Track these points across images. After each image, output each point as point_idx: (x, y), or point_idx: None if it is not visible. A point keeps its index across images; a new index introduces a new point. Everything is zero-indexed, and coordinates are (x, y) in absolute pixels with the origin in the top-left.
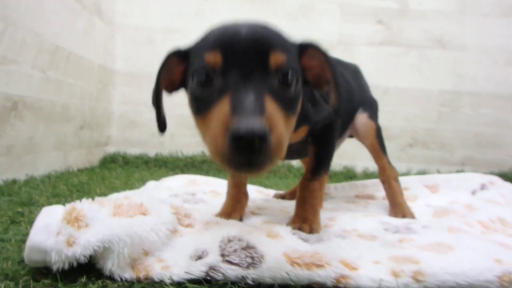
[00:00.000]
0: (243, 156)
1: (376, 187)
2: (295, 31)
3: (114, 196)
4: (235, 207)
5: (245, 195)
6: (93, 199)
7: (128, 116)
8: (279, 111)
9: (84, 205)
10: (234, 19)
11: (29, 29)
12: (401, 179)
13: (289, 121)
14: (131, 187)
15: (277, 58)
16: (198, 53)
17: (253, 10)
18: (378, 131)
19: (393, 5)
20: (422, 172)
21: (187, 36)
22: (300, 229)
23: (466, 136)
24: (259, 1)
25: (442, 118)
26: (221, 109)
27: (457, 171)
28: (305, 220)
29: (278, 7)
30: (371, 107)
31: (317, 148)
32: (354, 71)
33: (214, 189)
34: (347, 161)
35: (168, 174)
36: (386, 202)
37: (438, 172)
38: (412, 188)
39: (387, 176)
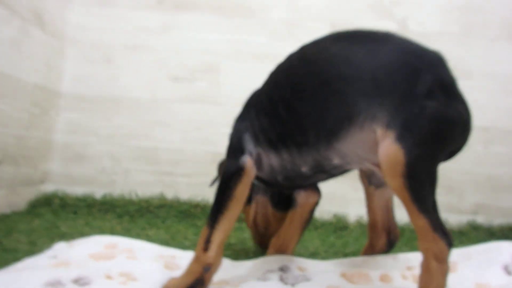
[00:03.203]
0: None
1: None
2: (279, 50)
3: None
4: None
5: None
6: None
7: (74, 147)
8: None
9: None
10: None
11: None
12: (401, 255)
13: None
14: (41, 247)
15: None
16: None
17: (230, 27)
18: (413, 166)
19: (392, 25)
20: None
21: (152, 54)
22: None
23: (477, 179)
24: (237, 16)
25: None
26: None
27: (468, 221)
28: None
29: (260, 23)
30: (409, 122)
31: None
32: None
33: (131, 270)
34: (337, 207)
35: (114, 223)
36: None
37: (446, 221)
38: (417, 267)
39: (425, 250)
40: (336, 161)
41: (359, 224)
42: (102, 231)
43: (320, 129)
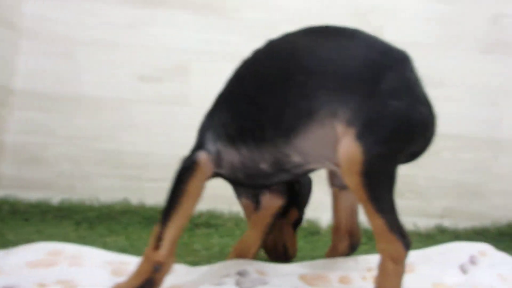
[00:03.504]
0: None
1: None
2: None
3: None
4: None
5: None
6: None
7: (28, 149)
8: None
9: None
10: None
11: None
12: (362, 256)
13: None
14: None
15: None
16: None
17: (203, 26)
18: (371, 165)
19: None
20: None
21: (118, 51)
22: None
23: (445, 184)
24: (211, 15)
25: (418, 163)
26: None
27: (436, 225)
28: None
29: (234, 23)
30: (370, 120)
31: None
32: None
33: (71, 277)
34: (310, 212)
35: (69, 230)
36: None
37: (415, 225)
38: (376, 269)
39: (381, 250)
40: (295, 158)
41: (331, 229)
42: (53, 239)
43: (279, 124)
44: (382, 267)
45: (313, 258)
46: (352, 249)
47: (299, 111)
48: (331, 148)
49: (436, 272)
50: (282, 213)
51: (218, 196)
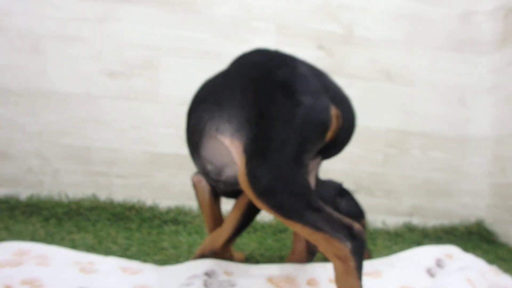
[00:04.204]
0: None
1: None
2: (222, 48)
3: None
4: None
5: None
6: None
7: None
8: None
9: None
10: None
11: None
12: (324, 265)
13: None
14: None
15: None
16: None
17: (173, 21)
18: (257, 178)
19: (337, 29)
20: None
21: (86, 46)
22: None
23: (415, 183)
24: (181, 11)
25: (389, 161)
26: None
27: (404, 223)
28: None
29: (204, 19)
30: (250, 133)
31: None
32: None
33: (38, 277)
34: None
35: (38, 226)
36: None
37: (383, 223)
38: None
39: (324, 252)
40: (209, 167)
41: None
42: (21, 235)
43: (192, 141)
44: (334, 268)
45: (281, 257)
46: (311, 254)
47: (198, 130)
48: (229, 158)
49: (404, 277)
50: None
51: (186, 192)
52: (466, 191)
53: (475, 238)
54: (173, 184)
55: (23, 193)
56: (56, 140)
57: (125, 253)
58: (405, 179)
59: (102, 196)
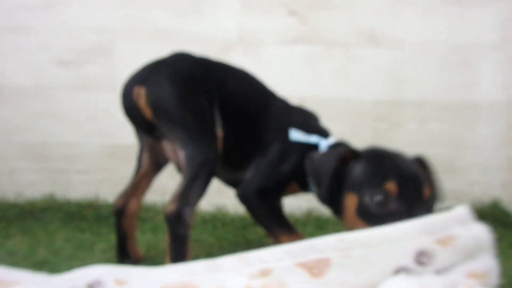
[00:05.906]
0: None
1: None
2: (181, 27)
3: None
4: None
5: None
6: None
7: None
8: None
9: None
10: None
11: None
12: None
13: None
14: None
15: (427, 191)
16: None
17: (124, 1)
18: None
19: None
20: None
21: (34, 36)
22: None
23: None
24: None
25: (379, 137)
26: None
27: None
28: None
29: (161, 0)
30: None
31: None
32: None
33: None
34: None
35: None
36: None
37: None
38: (277, 271)
39: None
40: (170, 159)
41: (240, 218)
42: None
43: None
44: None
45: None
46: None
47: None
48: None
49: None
50: None
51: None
52: (476, 166)
53: (489, 221)
54: None
55: None
56: (9, 137)
57: (56, 258)
58: None
59: (62, 194)
